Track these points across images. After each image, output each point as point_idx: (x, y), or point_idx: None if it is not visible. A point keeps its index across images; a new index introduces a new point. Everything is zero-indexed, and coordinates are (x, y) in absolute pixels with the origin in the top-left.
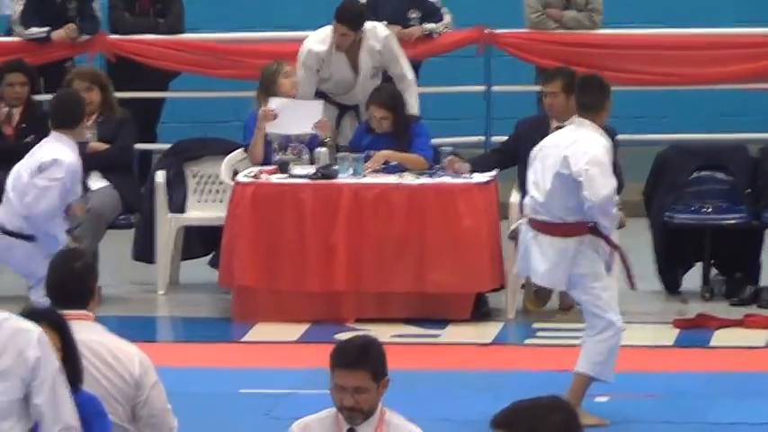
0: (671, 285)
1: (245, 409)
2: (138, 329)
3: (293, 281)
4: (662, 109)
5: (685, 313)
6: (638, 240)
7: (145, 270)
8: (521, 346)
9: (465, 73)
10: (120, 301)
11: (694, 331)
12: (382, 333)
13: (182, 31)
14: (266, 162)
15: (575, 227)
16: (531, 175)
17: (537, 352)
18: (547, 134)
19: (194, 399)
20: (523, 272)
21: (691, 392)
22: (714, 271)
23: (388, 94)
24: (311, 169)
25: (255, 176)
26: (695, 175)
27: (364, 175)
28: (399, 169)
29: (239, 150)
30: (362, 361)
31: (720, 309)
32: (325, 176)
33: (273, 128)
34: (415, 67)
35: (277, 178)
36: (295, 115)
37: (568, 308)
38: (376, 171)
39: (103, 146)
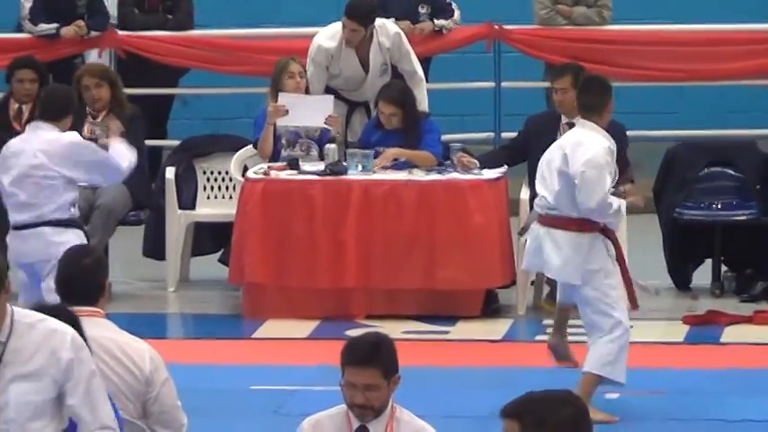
0: (681, 282)
1: (256, 406)
2: (148, 326)
3: (303, 277)
4: (671, 105)
5: (695, 310)
6: (648, 237)
7: (155, 267)
8: (531, 342)
9: (474, 69)
10: (131, 297)
11: (704, 328)
12: (392, 330)
13: (191, 28)
14: (275, 158)
15: (588, 223)
16: (539, 178)
17: (547, 348)
18: (556, 130)
19: (204, 395)
20: (532, 267)
21: (701, 389)
22: (724, 267)
23: (397, 91)
24: (321, 166)
25: (265, 173)
26: (705, 171)
27: (374, 172)
28: (409, 166)
29: (249, 147)
30: (374, 358)
31: (730, 305)
32: (334, 173)
33: (284, 121)
34: (425, 63)
35: (287, 175)
36: (306, 110)
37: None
38: (385, 168)
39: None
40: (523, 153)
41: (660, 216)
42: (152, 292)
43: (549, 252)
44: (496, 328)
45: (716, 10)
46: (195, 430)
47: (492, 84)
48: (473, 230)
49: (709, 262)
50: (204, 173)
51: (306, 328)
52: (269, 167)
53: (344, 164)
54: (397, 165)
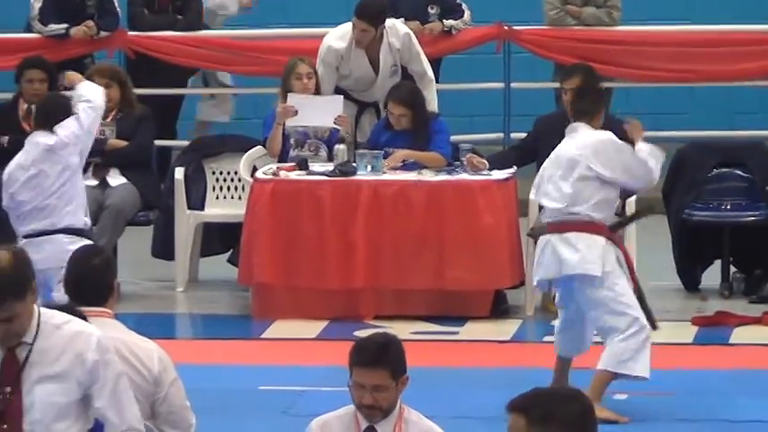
0: (690, 283)
1: (264, 406)
2: (157, 326)
3: (312, 278)
4: (680, 106)
5: (704, 311)
6: (657, 238)
7: (164, 267)
8: (540, 343)
9: (484, 70)
10: (139, 298)
11: (713, 329)
12: (401, 330)
13: (200, 28)
14: (283, 158)
15: (602, 227)
16: (541, 193)
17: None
18: (566, 130)
19: (213, 395)
20: (549, 275)
21: (710, 390)
22: (733, 268)
23: (407, 92)
24: (330, 166)
25: (274, 173)
26: (714, 172)
27: (383, 172)
28: (418, 166)
29: (258, 147)
30: (382, 359)
31: (739, 306)
32: (343, 173)
33: (293, 122)
34: (435, 63)
35: (296, 175)
36: (315, 110)
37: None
38: (394, 169)
39: (122, 143)
40: (533, 154)
41: (669, 217)
42: (161, 293)
43: (565, 252)
44: (505, 328)
45: (725, 11)
46: (203, 431)
47: (501, 84)
48: (482, 231)
49: (718, 263)
50: (213, 173)
51: (314, 328)
52: (278, 168)
53: (354, 164)
54: (407, 165)
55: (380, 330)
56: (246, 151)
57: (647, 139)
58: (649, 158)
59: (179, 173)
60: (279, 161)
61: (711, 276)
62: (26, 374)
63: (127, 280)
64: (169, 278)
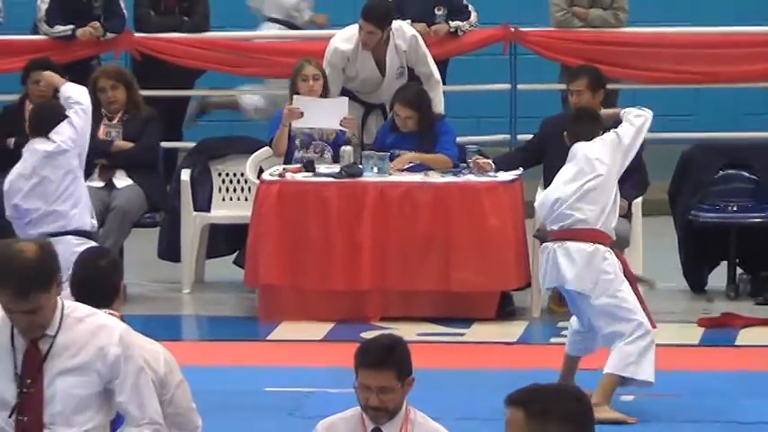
0: (696, 284)
1: (270, 408)
2: (163, 328)
3: (318, 279)
4: (687, 107)
5: (710, 312)
6: (664, 239)
7: (170, 268)
8: (546, 345)
9: (490, 71)
10: (146, 299)
11: (719, 330)
12: (407, 332)
13: (207, 30)
14: (288, 158)
15: (602, 234)
16: (547, 197)
17: (562, 351)
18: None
19: (219, 397)
20: (551, 283)
21: (716, 391)
22: (739, 270)
23: (413, 93)
24: (336, 168)
25: (280, 175)
26: (720, 173)
27: (389, 174)
28: (424, 168)
29: (264, 148)
30: (387, 361)
31: (746, 308)
32: (349, 175)
33: (299, 123)
34: (442, 65)
35: (302, 177)
36: (321, 112)
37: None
38: (401, 170)
39: (128, 144)
40: (539, 155)
41: (675, 218)
42: (167, 294)
43: (563, 264)
44: (511, 330)
45: (732, 12)
46: None
47: (508, 86)
48: (488, 233)
49: (724, 264)
50: (219, 175)
51: (321, 329)
52: (284, 169)
53: (360, 166)
54: (413, 167)
55: (386, 332)
56: (253, 153)
57: (655, 141)
58: (635, 121)
59: (185, 174)
60: (284, 162)
61: (717, 278)
62: (48, 367)
63: (133, 281)
64: (175, 280)
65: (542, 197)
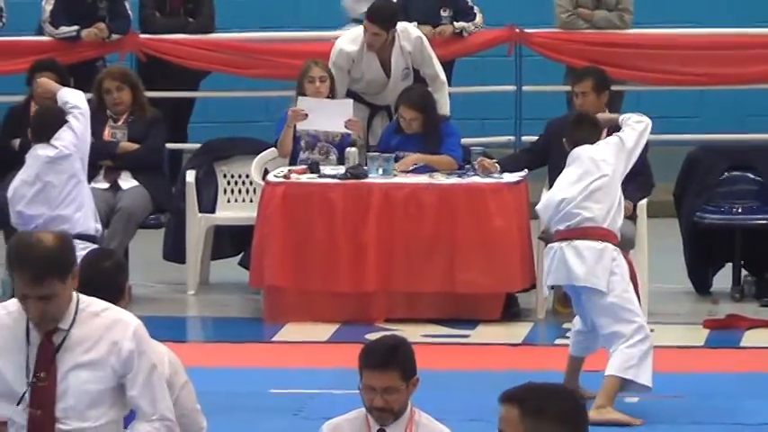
0: (701, 286)
1: (275, 409)
2: (168, 329)
3: (323, 281)
4: (692, 109)
5: (715, 314)
6: (668, 240)
7: (175, 270)
8: (551, 346)
9: (495, 73)
10: (151, 300)
11: (724, 332)
12: (412, 333)
13: (212, 31)
14: (294, 159)
15: (610, 233)
16: (551, 198)
17: (567, 352)
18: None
19: (224, 398)
20: (558, 281)
21: (721, 393)
22: (744, 271)
23: (418, 95)
24: (341, 169)
25: (286, 176)
26: (725, 175)
27: (394, 175)
28: (429, 169)
29: (270, 150)
30: (391, 361)
31: (751, 309)
32: (354, 176)
33: (305, 125)
34: (448, 66)
35: (307, 178)
36: (326, 114)
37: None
38: (406, 172)
39: (134, 146)
40: (544, 157)
41: (680, 220)
42: (172, 296)
43: (573, 262)
44: (516, 331)
45: (736, 14)
46: None
47: (513, 87)
48: (493, 234)
49: (729, 266)
50: (224, 176)
51: (326, 331)
52: (289, 171)
53: (365, 167)
54: (418, 168)
55: (391, 333)
56: (258, 154)
57: (660, 142)
58: (637, 126)
59: (190, 176)
60: (289, 164)
61: (722, 279)
62: (61, 361)
63: (138, 283)
64: (180, 281)
65: (545, 200)
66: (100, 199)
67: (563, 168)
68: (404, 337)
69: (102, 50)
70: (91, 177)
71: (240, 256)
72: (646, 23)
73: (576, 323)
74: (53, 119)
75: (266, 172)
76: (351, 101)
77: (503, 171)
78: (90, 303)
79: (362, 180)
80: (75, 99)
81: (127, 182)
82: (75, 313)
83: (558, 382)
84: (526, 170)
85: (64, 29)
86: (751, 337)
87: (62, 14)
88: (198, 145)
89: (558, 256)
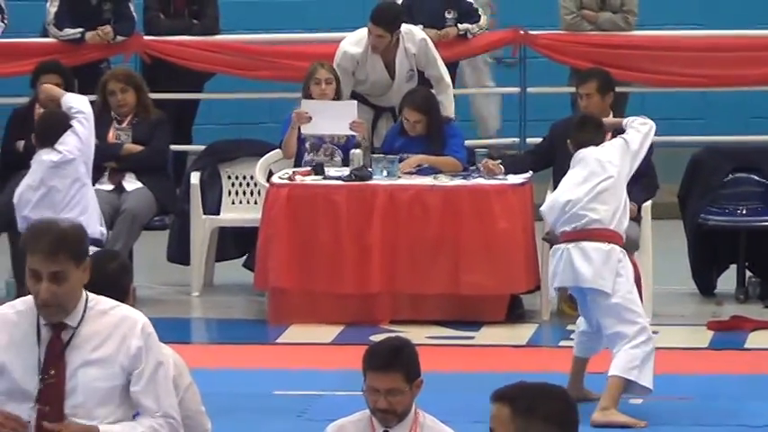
0: (705, 287)
1: (279, 411)
2: (172, 331)
3: (328, 282)
4: (696, 111)
5: (720, 315)
6: (673, 242)
7: (179, 271)
8: (555, 347)
9: (500, 74)
10: (155, 302)
11: (729, 333)
12: (416, 335)
13: (217, 33)
14: (299, 161)
15: (616, 234)
16: (557, 200)
17: (571, 354)
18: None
19: (228, 400)
20: (564, 283)
21: (725, 395)
22: (749, 273)
23: (421, 98)
24: (346, 171)
25: (290, 178)
26: (730, 177)
27: (399, 177)
28: (434, 171)
29: (274, 151)
30: (395, 363)
31: (755, 311)
32: (359, 178)
33: (310, 129)
34: (453, 68)
35: (312, 180)
36: (330, 116)
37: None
38: (410, 173)
39: (138, 147)
40: (549, 158)
41: (685, 222)
42: (176, 297)
43: (580, 264)
44: (521, 333)
45: (741, 16)
46: None
47: (517, 89)
48: (498, 236)
49: (733, 267)
50: (229, 178)
51: (330, 333)
52: (294, 172)
53: (369, 169)
54: (422, 170)
55: (395, 335)
56: (262, 156)
57: (664, 144)
58: (641, 128)
59: (195, 177)
60: (294, 165)
61: (727, 281)
62: (70, 358)
63: (142, 284)
64: (185, 283)
65: (550, 201)
66: (104, 201)
67: (567, 170)
68: (408, 338)
69: (107, 52)
70: (95, 179)
71: (245, 257)
72: (650, 25)
73: (581, 324)
74: (57, 124)
75: (271, 173)
76: (355, 102)
77: (507, 173)
78: (98, 302)
79: (367, 182)
80: (79, 104)
81: (131, 183)
82: (84, 311)
83: (551, 382)
84: (530, 172)
85: (68, 31)
86: (755, 339)
87: (66, 16)
88: (202, 147)
89: (565, 258)
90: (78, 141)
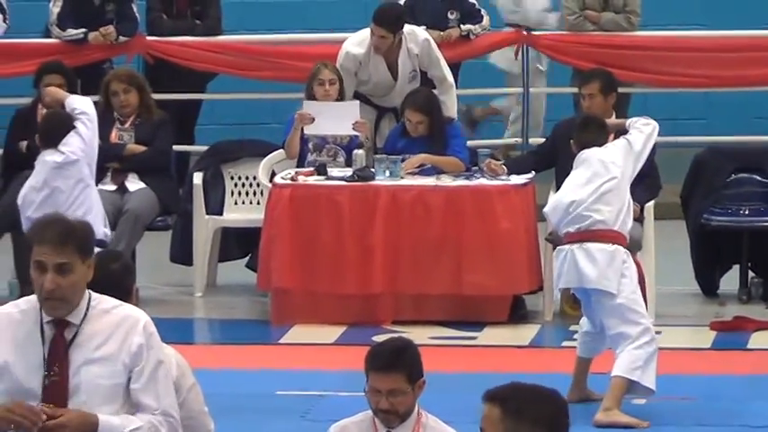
0: (708, 288)
1: (282, 411)
2: (175, 331)
3: (330, 283)
4: (699, 111)
5: (722, 316)
6: (676, 242)
7: (182, 272)
8: (558, 348)
9: (503, 75)
10: (158, 302)
11: (731, 334)
12: (419, 335)
13: (219, 33)
14: (301, 162)
15: (620, 235)
16: (560, 201)
17: (574, 354)
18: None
19: (231, 400)
20: (568, 284)
21: (728, 395)
22: (751, 273)
23: (423, 98)
24: (348, 171)
25: (293, 178)
26: (732, 177)
27: (401, 177)
28: (436, 171)
29: (277, 152)
30: (397, 363)
31: (757, 311)
32: (361, 178)
33: (313, 130)
34: (455, 68)
35: (314, 180)
36: (333, 117)
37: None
38: (413, 173)
39: (141, 148)
40: (551, 159)
41: (688, 222)
42: (179, 298)
43: (584, 264)
44: (523, 333)
45: (744, 16)
46: None
47: (520, 89)
48: (500, 236)
49: (736, 268)
50: (232, 178)
51: (333, 333)
52: (296, 173)
53: (372, 169)
54: (425, 170)
55: (398, 335)
56: (265, 156)
57: (667, 144)
58: (644, 129)
59: (197, 178)
60: (297, 165)
61: (730, 281)
62: (73, 356)
63: (145, 285)
64: (187, 283)
65: (554, 202)
66: (107, 201)
67: (570, 171)
68: (410, 339)
69: (110, 53)
70: (98, 180)
71: (247, 258)
72: (653, 26)
73: (584, 324)
74: (61, 124)
75: (274, 174)
76: (357, 102)
77: (510, 173)
78: (101, 301)
79: (369, 182)
80: (83, 105)
81: (134, 184)
82: (87, 309)
83: (543, 385)
84: (533, 172)
85: (71, 31)
86: (758, 339)
87: (69, 17)
88: (205, 147)
89: (569, 259)
90: (82, 142)
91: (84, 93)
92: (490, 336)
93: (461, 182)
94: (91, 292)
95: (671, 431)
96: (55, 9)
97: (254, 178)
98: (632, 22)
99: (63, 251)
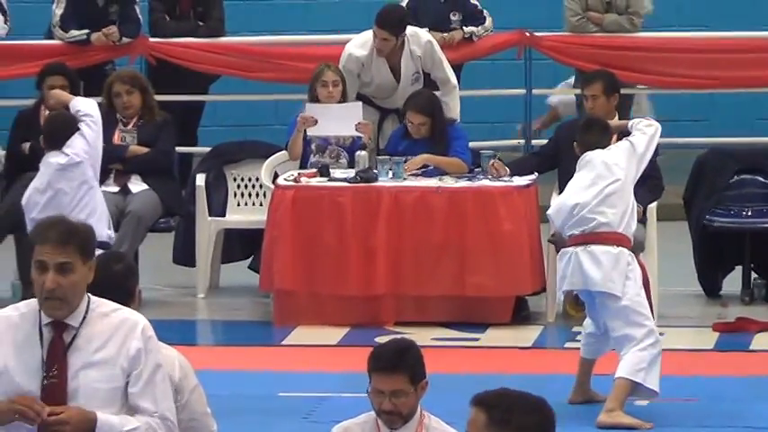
0: (711, 289)
1: (284, 413)
2: (178, 333)
3: (333, 284)
4: (701, 112)
5: (725, 317)
6: (678, 244)
7: (185, 273)
8: (561, 349)
9: (505, 76)
10: (160, 304)
11: (734, 335)
12: (422, 337)
13: (222, 35)
14: (304, 163)
15: (624, 237)
16: (564, 203)
17: (577, 356)
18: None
19: (233, 402)
20: (573, 286)
21: (730, 396)
22: (754, 274)
23: (425, 100)
24: (351, 173)
25: (295, 180)
26: (735, 178)
27: (404, 179)
28: (439, 173)
29: (279, 153)
30: (399, 364)
31: (760, 312)
32: (364, 180)
33: (316, 131)
34: (457, 70)
35: (317, 182)
36: (335, 119)
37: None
38: (415, 175)
39: (143, 149)
40: (554, 160)
41: (690, 223)
42: (182, 299)
43: (589, 267)
44: (526, 335)
45: (747, 17)
46: None
47: (523, 91)
48: (503, 237)
49: (739, 269)
50: (234, 179)
51: (335, 334)
52: (299, 174)
53: (375, 171)
54: (428, 172)
55: (400, 336)
56: (267, 158)
57: (670, 145)
58: (647, 130)
59: (200, 179)
60: (300, 167)
61: (732, 282)
62: (71, 359)
63: (148, 286)
64: (190, 284)
65: (558, 204)
66: (110, 202)
67: (573, 172)
68: (413, 340)
69: (112, 54)
70: (101, 181)
71: (250, 259)
72: (656, 27)
73: (588, 325)
74: (65, 126)
75: (276, 175)
76: (360, 103)
77: (512, 174)
78: (100, 304)
79: (372, 183)
80: (87, 107)
81: (137, 185)
82: (86, 312)
83: (532, 394)
84: (536, 174)
85: (74, 32)
86: (760, 341)
87: (72, 18)
88: (208, 148)
89: (574, 261)
90: (86, 144)
91: (87, 94)
92: (493, 337)
93: (464, 183)
94: (90, 295)
95: None
96: (58, 10)
97: (257, 180)
98: (635, 24)
99: (64, 251)
